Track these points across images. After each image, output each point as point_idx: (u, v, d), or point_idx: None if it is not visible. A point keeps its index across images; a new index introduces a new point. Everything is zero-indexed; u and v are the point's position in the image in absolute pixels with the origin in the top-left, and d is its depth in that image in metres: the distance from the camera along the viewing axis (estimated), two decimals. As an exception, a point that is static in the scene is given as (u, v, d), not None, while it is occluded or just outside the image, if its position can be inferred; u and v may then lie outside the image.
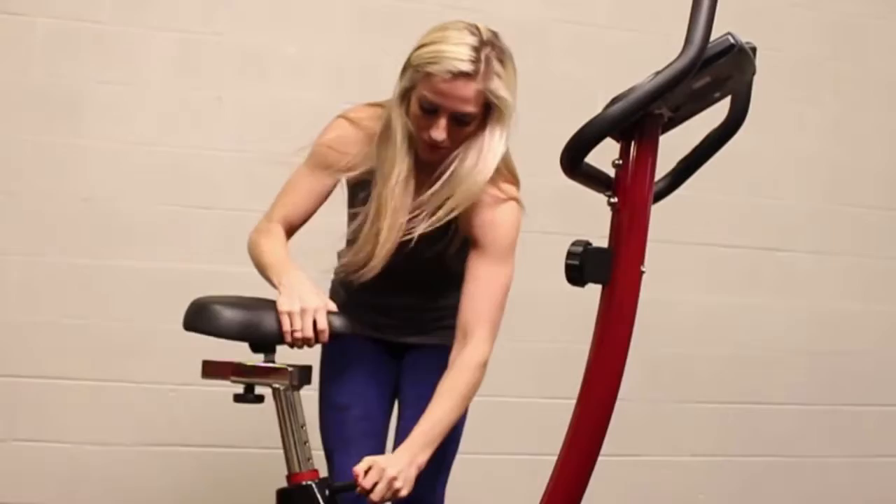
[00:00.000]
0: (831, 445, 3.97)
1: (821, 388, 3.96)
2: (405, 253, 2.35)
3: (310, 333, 2.16)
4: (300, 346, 2.19)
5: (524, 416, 3.62)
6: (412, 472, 2.17)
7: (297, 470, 2.23)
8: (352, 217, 2.43)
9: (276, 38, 3.46)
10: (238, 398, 2.23)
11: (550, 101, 3.60)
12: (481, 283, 2.29)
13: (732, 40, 1.83)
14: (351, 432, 2.38)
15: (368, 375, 2.46)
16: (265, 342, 2.21)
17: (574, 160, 1.84)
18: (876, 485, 4.03)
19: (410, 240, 2.32)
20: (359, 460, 2.19)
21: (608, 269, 1.90)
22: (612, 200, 1.91)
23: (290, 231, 2.40)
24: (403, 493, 2.16)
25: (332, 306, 2.22)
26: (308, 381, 2.26)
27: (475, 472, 3.56)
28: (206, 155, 3.38)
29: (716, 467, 3.86)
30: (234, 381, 2.23)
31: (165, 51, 3.36)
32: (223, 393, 3.32)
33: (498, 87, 2.20)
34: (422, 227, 2.28)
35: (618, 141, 1.92)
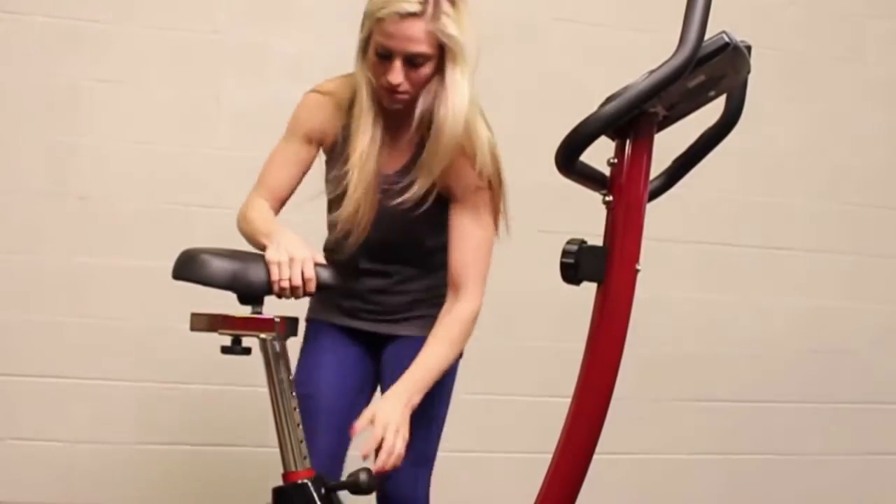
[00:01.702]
0: (828, 443, 3.98)
1: (818, 386, 3.97)
2: (382, 222, 2.38)
3: (298, 282, 2.19)
4: (288, 297, 2.22)
5: (520, 414, 3.62)
6: (407, 416, 2.22)
7: (292, 468, 2.23)
8: (329, 183, 2.46)
9: (274, 37, 3.46)
10: (225, 350, 2.24)
11: (547, 98, 3.61)
12: (466, 234, 2.35)
13: (727, 39, 1.83)
14: (314, 423, 2.39)
15: (339, 368, 2.48)
16: (253, 292, 2.23)
17: (569, 159, 1.84)
18: (873, 482, 4.03)
19: (387, 207, 2.35)
20: (319, 454, 2.24)
21: (603, 267, 1.90)
22: (608, 199, 1.91)
23: (278, 203, 2.44)
24: (402, 445, 2.19)
25: (320, 258, 2.25)
26: (295, 332, 2.28)
27: (471, 471, 3.56)
28: (203, 154, 3.38)
29: (712, 465, 3.86)
30: (221, 333, 2.23)
31: (163, 49, 3.36)
32: (221, 391, 3.35)
33: (446, 25, 2.24)
34: (418, 186, 2.32)
35: (613, 139, 1.92)
